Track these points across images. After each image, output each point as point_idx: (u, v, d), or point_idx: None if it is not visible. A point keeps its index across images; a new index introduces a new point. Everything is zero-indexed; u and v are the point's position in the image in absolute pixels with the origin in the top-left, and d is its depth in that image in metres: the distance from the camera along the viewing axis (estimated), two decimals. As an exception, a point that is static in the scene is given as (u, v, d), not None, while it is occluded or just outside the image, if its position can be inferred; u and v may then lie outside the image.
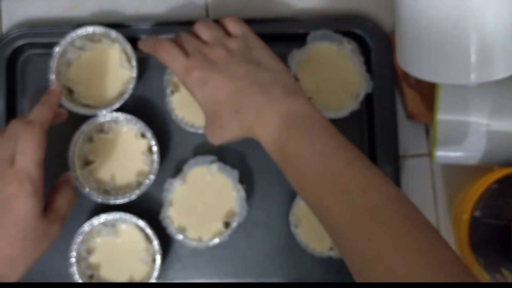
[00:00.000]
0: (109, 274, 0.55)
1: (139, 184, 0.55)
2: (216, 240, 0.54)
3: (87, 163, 0.56)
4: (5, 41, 0.58)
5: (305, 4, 0.60)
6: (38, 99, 0.58)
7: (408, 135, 0.58)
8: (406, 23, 0.47)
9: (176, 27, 0.57)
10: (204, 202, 0.55)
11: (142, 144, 0.55)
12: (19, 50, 0.59)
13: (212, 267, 0.57)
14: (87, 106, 0.56)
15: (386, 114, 0.56)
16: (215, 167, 0.55)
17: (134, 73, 0.55)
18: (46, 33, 0.58)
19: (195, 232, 0.55)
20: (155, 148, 0.54)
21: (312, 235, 0.55)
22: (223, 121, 0.46)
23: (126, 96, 0.54)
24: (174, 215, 0.55)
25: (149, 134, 0.54)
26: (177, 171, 0.56)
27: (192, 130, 0.55)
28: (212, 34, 0.49)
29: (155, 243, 0.53)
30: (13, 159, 0.45)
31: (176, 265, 0.57)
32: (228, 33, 0.50)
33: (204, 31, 0.50)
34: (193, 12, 0.60)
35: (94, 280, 0.54)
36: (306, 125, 0.43)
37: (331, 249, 0.55)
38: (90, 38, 0.56)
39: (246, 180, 0.57)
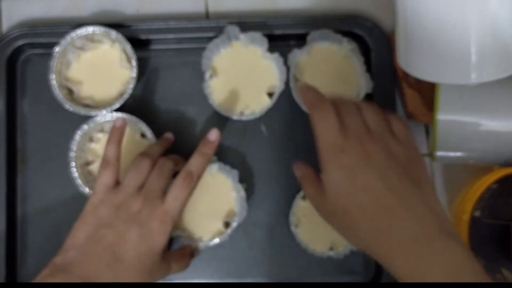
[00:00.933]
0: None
1: None
2: (216, 240, 0.54)
3: (87, 163, 0.56)
4: (5, 41, 0.58)
5: (305, 4, 0.60)
6: (38, 99, 0.58)
7: (408, 135, 0.58)
8: (406, 23, 0.47)
9: (176, 26, 0.57)
10: (204, 201, 0.55)
11: (142, 144, 0.55)
12: (19, 50, 0.59)
13: (212, 267, 0.57)
14: (87, 106, 0.56)
15: (386, 114, 0.56)
16: (215, 167, 0.55)
17: (134, 73, 0.55)
18: (46, 33, 0.58)
19: (195, 232, 0.55)
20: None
21: (312, 235, 0.55)
22: (357, 228, 0.41)
23: (126, 96, 0.54)
24: None
25: (149, 134, 0.54)
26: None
27: (227, 115, 0.55)
28: (378, 122, 0.44)
29: (155, 243, 0.53)
30: (163, 194, 0.48)
31: (176, 265, 0.57)
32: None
33: (370, 111, 0.45)
34: (193, 12, 0.60)
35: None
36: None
37: (331, 249, 0.55)
38: (90, 38, 0.56)
39: (246, 180, 0.57)
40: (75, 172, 0.54)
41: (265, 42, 0.55)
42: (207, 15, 0.60)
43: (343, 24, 0.57)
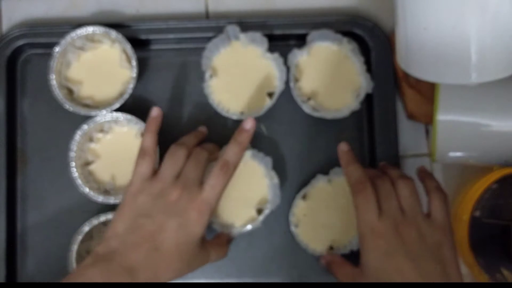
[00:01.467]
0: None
1: None
2: (249, 227, 0.54)
3: (87, 163, 0.56)
4: (5, 41, 0.58)
5: (305, 4, 0.60)
6: (38, 99, 0.58)
7: (408, 135, 0.58)
8: (406, 23, 0.47)
9: (176, 27, 0.57)
10: (237, 188, 0.55)
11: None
12: (19, 50, 0.59)
13: (212, 267, 0.57)
14: (87, 106, 0.56)
15: (386, 114, 0.56)
16: (248, 154, 0.55)
17: (134, 73, 0.55)
18: (46, 33, 0.58)
19: (227, 218, 0.55)
20: (155, 148, 0.54)
21: (312, 235, 0.55)
22: None
23: (126, 96, 0.54)
24: None
25: None
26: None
27: (227, 115, 0.55)
28: (412, 204, 0.48)
29: (155, 243, 0.53)
30: (201, 183, 0.48)
31: (176, 265, 0.57)
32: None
33: (404, 190, 0.48)
34: (193, 12, 0.60)
35: (94, 280, 0.54)
36: None
37: (331, 248, 0.55)
38: (90, 38, 0.56)
39: (278, 168, 0.56)
40: (75, 172, 0.54)
41: (265, 42, 0.55)
42: (207, 15, 0.60)
43: (343, 24, 0.57)
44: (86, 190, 0.54)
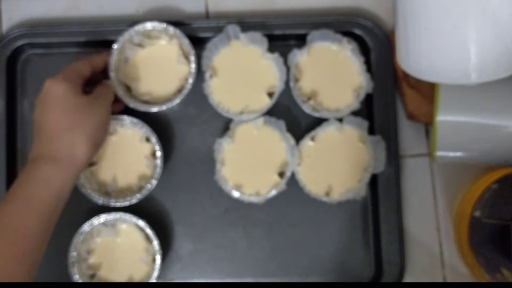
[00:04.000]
0: (109, 274, 0.55)
1: (140, 187, 0.55)
2: (273, 192, 0.54)
3: (90, 164, 0.56)
4: (5, 41, 0.58)
5: (305, 4, 0.60)
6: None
7: (408, 135, 0.58)
8: (405, 23, 0.47)
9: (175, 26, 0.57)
10: (255, 156, 0.55)
11: (146, 148, 0.55)
12: (19, 50, 0.59)
13: (212, 267, 0.57)
14: (145, 102, 0.56)
15: (386, 114, 0.57)
16: (260, 121, 0.55)
17: (192, 68, 0.55)
18: (46, 33, 0.58)
19: (251, 188, 0.55)
20: (159, 153, 0.54)
21: (311, 176, 0.55)
22: None
23: (186, 91, 0.54)
24: (228, 174, 0.55)
25: (154, 138, 0.54)
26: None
27: (227, 115, 0.56)
28: None
29: (155, 243, 0.53)
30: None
31: (176, 265, 0.57)
32: None
33: None
34: (193, 12, 0.60)
35: (95, 280, 0.54)
36: None
37: (326, 194, 0.55)
38: (147, 34, 0.56)
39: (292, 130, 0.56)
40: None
41: (265, 42, 0.56)
42: (207, 15, 0.60)
43: (343, 24, 0.57)
44: (88, 191, 0.54)
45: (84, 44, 0.59)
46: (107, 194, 0.55)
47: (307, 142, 0.55)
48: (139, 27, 0.55)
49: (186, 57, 0.56)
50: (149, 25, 0.55)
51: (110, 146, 0.56)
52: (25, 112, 0.59)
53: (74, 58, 0.59)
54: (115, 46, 0.54)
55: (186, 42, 0.55)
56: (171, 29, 0.55)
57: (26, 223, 0.45)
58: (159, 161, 0.54)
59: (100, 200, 0.54)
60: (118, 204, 0.54)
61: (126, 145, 0.56)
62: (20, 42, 0.58)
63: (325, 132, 0.55)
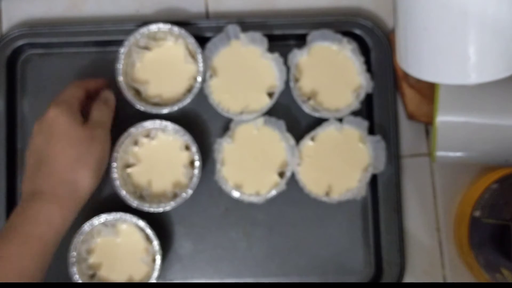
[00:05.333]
0: (109, 274, 0.55)
1: (174, 195, 0.55)
2: (273, 192, 0.54)
3: (127, 165, 0.56)
4: (5, 41, 0.58)
5: (305, 4, 0.60)
6: (38, 99, 0.59)
7: (408, 135, 0.58)
8: (406, 23, 0.47)
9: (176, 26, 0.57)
10: (255, 156, 0.55)
11: (185, 156, 0.55)
12: (19, 50, 0.59)
13: (212, 267, 0.57)
14: (156, 104, 0.56)
15: (386, 114, 0.57)
16: (260, 121, 0.55)
17: (200, 67, 0.55)
18: (46, 33, 0.58)
19: (251, 188, 0.55)
20: (197, 163, 0.54)
21: (311, 176, 0.55)
22: None
23: (196, 90, 0.54)
24: (228, 174, 0.55)
25: (194, 148, 0.54)
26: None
27: (227, 115, 0.56)
28: None
29: (155, 243, 0.53)
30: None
31: (176, 265, 0.57)
32: None
33: None
34: (193, 12, 0.60)
35: (95, 280, 0.54)
36: None
37: (326, 194, 0.55)
38: (153, 36, 0.56)
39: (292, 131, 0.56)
40: (115, 173, 0.54)
41: (265, 42, 0.56)
42: (207, 15, 0.60)
43: (343, 24, 0.57)
44: (123, 192, 0.54)
45: (84, 44, 0.59)
46: (141, 197, 0.55)
47: (307, 142, 0.55)
48: (143, 30, 0.55)
49: (193, 56, 0.56)
50: (154, 27, 0.55)
51: (150, 150, 0.56)
52: (25, 112, 0.59)
53: (74, 58, 0.59)
54: (121, 50, 0.54)
55: (192, 41, 0.55)
56: (176, 29, 0.55)
57: (26, 264, 0.45)
58: (196, 171, 0.54)
59: (134, 203, 0.54)
60: (152, 210, 0.54)
61: (165, 151, 0.56)
62: (20, 42, 0.58)
63: (325, 132, 0.55)
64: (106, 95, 0.54)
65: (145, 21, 0.58)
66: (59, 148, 0.48)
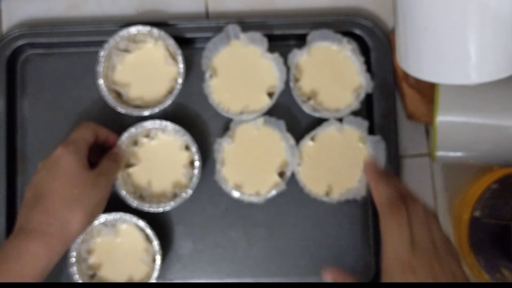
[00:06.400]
0: (109, 274, 0.55)
1: (174, 195, 0.55)
2: (273, 192, 0.54)
3: (128, 165, 0.56)
4: (5, 41, 0.58)
5: (305, 4, 0.60)
6: (38, 99, 0.59)
7: (408, 135, 0.58)
8: (406, 23, 0.47)
9: (177, 25, 0.57)
10: (255, 156, 0.55)
11: (185, 156, 0.55)
12: (19, 50, 0.59)
13: (212, 267, 0.57)
14: (137, 106, 0.55)
15: (386, 114, 0.57)
16: (260, 121, 0.55)
17: (181, 69, 0.55)
18: (46, 33, 0.58)
19: (251, 188, 0.55)
20: (197, 163, 0.54)
21: (312, 176, 0.55)
22: None
23: (176, 92, 0.54)
24: (228, 174, 0.55)
25: (194, 148, 0.54)
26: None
27: (227, 115, 0.56)
28: (444, 240, 0.43)
29: (155, 243, 0.54)
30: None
31: (176, 265, 0.57)
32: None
33: (437, 224, 0.43)
34: (193, 12, 0.60)
35: (95, 280, 0.54)
36: None
37: (326, 194, 0.55)
38: (132, 39, 0.56)
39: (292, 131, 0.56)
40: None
41: (265, 42, 0.56)
42: (207, 15, 0.60)
43: (343, 24, 0.57)
44: (123, 192, 0.54)
45: (84, 44, 0.59)
46: (141, 197, 0.55)
47: (307, 142, 0.55)
48: (123, 32, 0.55)
49: (174, 58, 0.56)
50: (133, 29, 0.55)
51: (150, 150, 0.56)
52: (25, 112, 0.59)
53: (74, 58, 0.59)
54: (101, 53, 0.54)
55: (172, 43, 0.55)
56: (156, 31, 0.55)
57: None
58: (196, 171, 0.54)
59: (134, 203, 0.54)
60: (152, 210, 0.54)
61: (165, 151, 0.56)
62: (20, 42, 0.58)
63: (325, 132, 0.55)
64: (119, 152, 0.54)
65: (145, 21, 0.58)
66: (58, 185, 0.48)
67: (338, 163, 0.55)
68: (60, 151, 0.49)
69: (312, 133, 0.55)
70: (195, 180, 0.54)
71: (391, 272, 0.41)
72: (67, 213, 0.47)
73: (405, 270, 0.41)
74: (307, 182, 0.55)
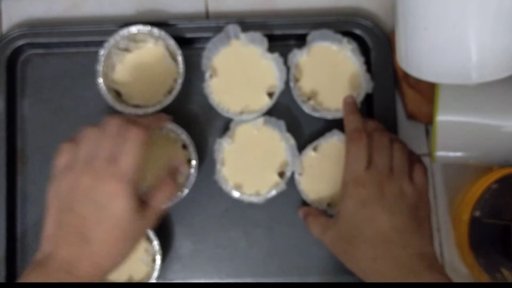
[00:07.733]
0: (108, 274, 0.54)
1: None
2: (273, 192, 0.54)
3: None
4: (5, 41, 0.58)
5: (305, 4, 0.60)
6: (38, 99, 0.59)
7: (408, 135, 0.58)
8: (405, 23, 0.47)
9: (177, 25, 0.57)
10: (255, 157, 0.55)
11: (181, 155, 0.55)
12: (19, 50, 0.59)
13: (212, 267, 0.57)
14: (137, 106, 0.55)
15: (386, 114, 0.57)
16: (260, 121, 0.55)
17: (180, 69, 0.55)
18: (46, 33, 0.58)
19: (251, 188, 0.55)
20: (194, 163, 0.54)
21: (314, 187, 0.55)
22: (357, 255, 0.47)
23: (176, 92, 0.54)
24: (228, 174, 0.55)
25: (191, 147, 0.54)
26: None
27: (227, 115, 0.56)
28: (402, 165, 0.49)
29: (155, 243, 0.53)
30: (114, 157, 0.44)
31: (176, 265, 0.57)
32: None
33: (399, 152, 0.49)
34: (193, 12, 0.60)
35: (94, 280, 0.54)
36: None
37: (328, 205, 0.55)
38: (133, 38, 0.56)
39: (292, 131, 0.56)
40: None
41: (265, 42, 0.56)
42: (207, 15, 0.60)
43: (343, 24, 0.57)
44: None
45: (84, 44, 0.59)
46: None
47: (309, 152, 0.55)
48: (124, 32, 0.55)
49: (174, 58, 0.56)
50: (134, 29, 0.55)
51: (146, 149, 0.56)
52: (25, 112, 0.59)
53: (74, 58, 0.59)
54: (101, 52, 0.54)
55: (172, 43, 0.55)
56: (156, 31, 0.55)
57: None
58: (193, 170, 0.54)
59: None
60: None
61: (161, 150, 0.55)
62: (20, 42, 0.58)
63: (328, 143, 0.55)
64: (183, 171, 0.52)
65: (145, 21, 0.58)
66: (103, 230, 0.43)
67: (341, 174, 0.55)
68: (115, 189, 0.43)
69: (315, 143, 0.55)
70: (191, 179, 0.54)
71: (346, 186, 0.48)
72: (109, 264, 0.44)
73: (358, 184, 0.47)
74: (309, 193, 0.55)
